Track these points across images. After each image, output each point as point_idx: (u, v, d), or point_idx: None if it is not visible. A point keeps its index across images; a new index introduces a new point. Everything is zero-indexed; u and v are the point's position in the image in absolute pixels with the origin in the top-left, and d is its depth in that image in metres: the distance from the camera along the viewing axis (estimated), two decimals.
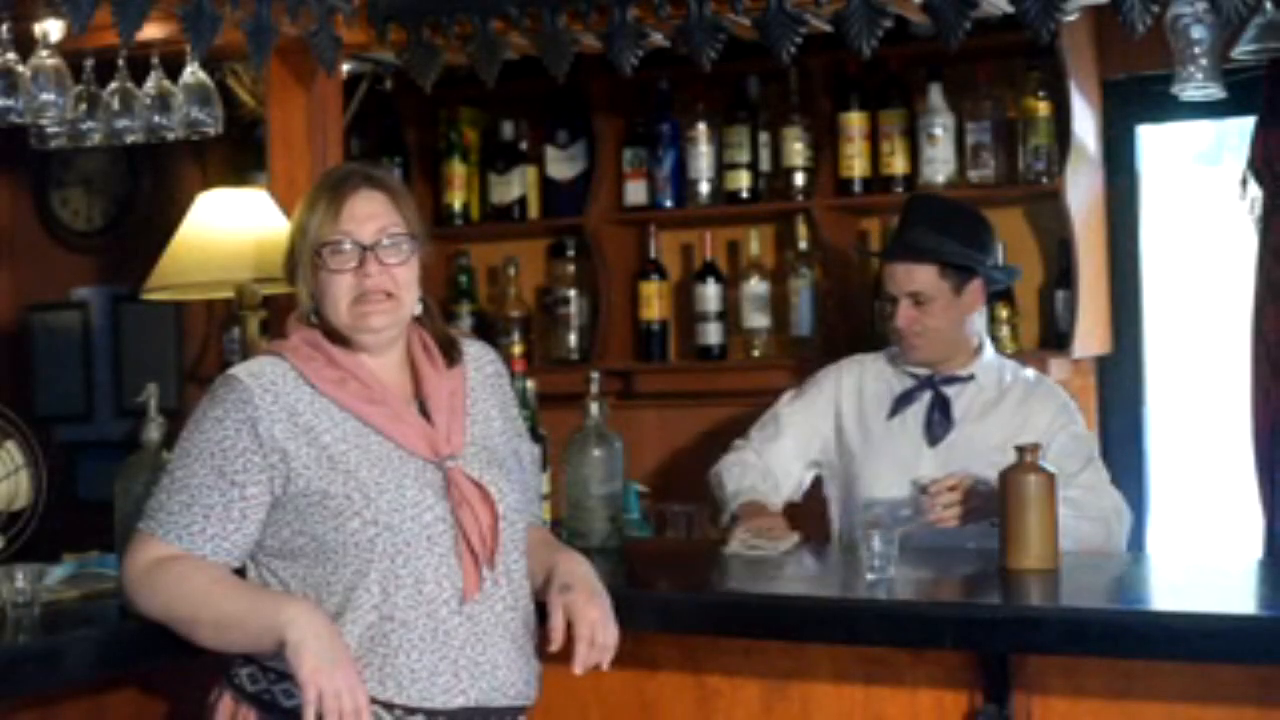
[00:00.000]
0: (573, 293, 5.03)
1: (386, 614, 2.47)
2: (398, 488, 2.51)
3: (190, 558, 2.50)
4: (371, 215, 2.57)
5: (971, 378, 3.62)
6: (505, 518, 2.57)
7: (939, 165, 4.55)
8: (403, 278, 2.58)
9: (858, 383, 3.71)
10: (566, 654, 2.58)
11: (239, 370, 2.58)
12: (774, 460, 3.69)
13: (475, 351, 2.73)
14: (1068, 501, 3.17)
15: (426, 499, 2.52)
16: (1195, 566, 3.32)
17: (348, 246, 2.55)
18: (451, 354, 2.66)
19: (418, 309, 2.65)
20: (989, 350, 3.69)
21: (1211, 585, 2.97)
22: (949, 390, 3.61)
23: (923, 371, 3.64)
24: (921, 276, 3.57)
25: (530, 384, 3.76)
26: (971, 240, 3.62)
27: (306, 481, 2.49)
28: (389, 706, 2.47)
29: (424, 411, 2.60)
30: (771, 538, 3.33)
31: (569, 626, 2.56)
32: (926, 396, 3.61)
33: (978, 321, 3.67)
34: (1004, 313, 4.47)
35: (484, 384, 2.70)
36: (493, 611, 2.54)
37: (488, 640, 2.53)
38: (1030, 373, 3.69)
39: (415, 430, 2.56)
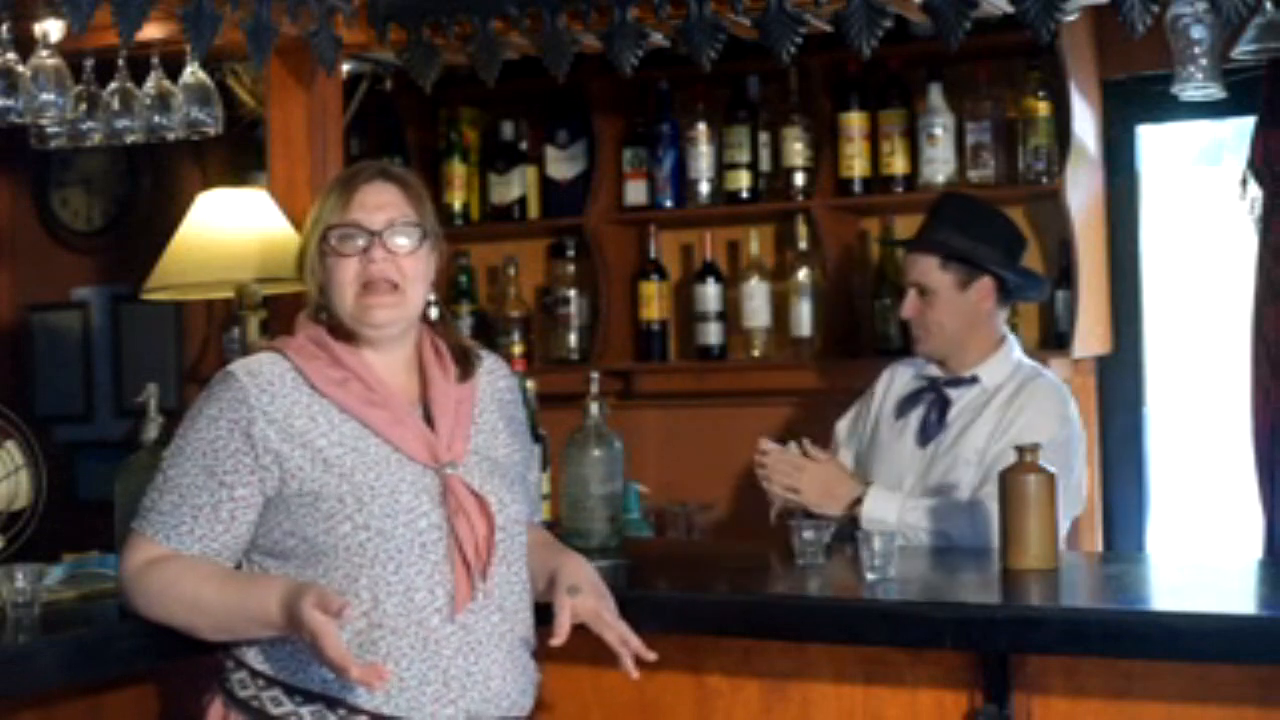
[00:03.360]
0: (573, 293, 5.03)
1: (375, 621, 2.45)
2: (392, 493, 2.48)
3: (180, 558, 2.49)
4: (382, 204, 2.55)
5: (975, 379, 3.60)
6: (505, 529, 2.55)
7: (939, 165, 4.55)
8: (410, 269, 2.54)
9: (886, 389, 3.74)
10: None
11: (237, 367, 2.56)
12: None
13: (490, 365, 2.71)
14: (949, 522, 3.39)
15: (422, 505, 2.49)
16: (1195, 566, 3.32)
17: (356, 231, 2.53)
18: (465, 366, 2.63)
19: (433, 313, 2.63)
20: (1006, 352, 3.63)
21: (1211, 585, 2.97)
22: (952, 392, 3.61)
23: (935, 373, 3.65)
24: (923, 266, 3.61)
25: (530, 384, 3.76)
26: (986, 239, 3.62)
27: (300, 483, 2.47)
28: (376, 717, 2.45)
29: (427, 417, 2.57)
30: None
31: (581, 628, 2.56)
32: (929, 398, 3.62)
33: (995, 322, 3.64)
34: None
35: (494, 398, 2.68)
36: (488, 622, 2.52)
37: (481, 651, 2.50)
38: (1037, 374, 3.62)
39: (416, 435, 2.53)
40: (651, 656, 2.58)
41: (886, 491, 3.47)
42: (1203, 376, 4.67)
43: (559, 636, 2.54)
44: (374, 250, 2.52)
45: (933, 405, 3.61)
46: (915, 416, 3.62)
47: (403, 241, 2.54)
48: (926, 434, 3.60)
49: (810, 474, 3.50)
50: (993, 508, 3.16)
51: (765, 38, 3.25)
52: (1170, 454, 4.67)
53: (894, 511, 3.41)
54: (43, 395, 5.75)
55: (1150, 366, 4.65)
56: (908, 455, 3.59)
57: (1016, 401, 3.53)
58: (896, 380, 3.73)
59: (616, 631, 2.58)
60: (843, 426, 3.80)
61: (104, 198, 5.68)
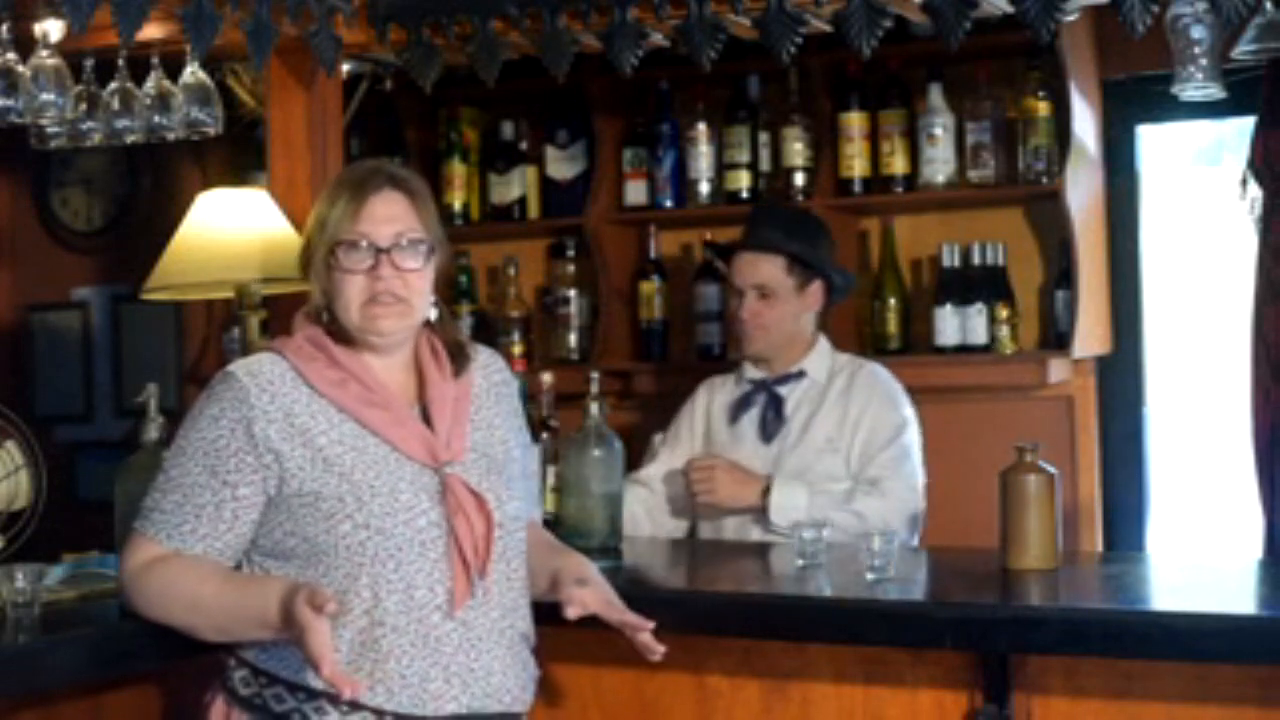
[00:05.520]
0: (573, 293, 5.03)
1: (377, 619, 2.45)
2: (391, 492, 2.49)
3: (181, 558, 2.49)
4: (390, 217, 2.55)
5: (802, 374, 3.80)
6: (503, 525, 2.56)
7: (939, 165, 4.55)
8: (415, 283, 2.56)
9: (708, 403, 3.91)
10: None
11: (237, 367, 2.57)
12: (660, 486, 3.87)
13: (484, 359, 2.72)
14: (859, 502, 3.58)
15: (421, 504, 2.50)
16: (1195, 566, 3.32)
17: (364, 247, 2.54)
18: (460, 361, 2.64)
19: (432, 314, 2.64)
20: (822, 347, 3.84)
21: (1211, 585, 2.97)
22: (781, 389, 3.80)
23: (758, 375, 3.82)
24: (768, 269, 3.78)
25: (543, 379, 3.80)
26: (816, 244, 3.83)
27: (300, 483, 2.48)
28: (379, 713, 2.45)
29: (426, 416, 2.58)
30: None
31: (582, 626, 2.57)
32: (761, 398, 3.80)
33: (813, 320, 3.85)
34: (1004, 313, 4.47)
35: (490, 391, 2.68)
36: (488, 618, 2.53)
37: (482, 647, 2.51)
38: (862, 363, 3.86)
39: (414, 435, 2.54)
40: (661, 650, 2.60)
41: (791, 479, 3.64)
42: (1203, 377, 4.67)
43: (573, 613, 2.57)
44: (381, 267, 2.53)
45: (767, 404, 3.79)
46: (751, 417, 3.81)
47: (410, 257, 2.55)
48: (768, 431, 3.78)
49: (720, 473, 3.67)
50: (892, 488, 3.59)
51: (765, 38, 3.26)
52: (1170, 454, 4.67)
53: (803, 495, 3.58)
54: (43, 395, 5.75)
55: (1150, 366, 4.65)
56: (750, 453, 3.76)
57: (855, 388, 3.75)
58: (717, 392, 3.91)
59: (628, 619, 2.60)
60: (658, 439, 3.97)
61: (104, 198, 5.68)
